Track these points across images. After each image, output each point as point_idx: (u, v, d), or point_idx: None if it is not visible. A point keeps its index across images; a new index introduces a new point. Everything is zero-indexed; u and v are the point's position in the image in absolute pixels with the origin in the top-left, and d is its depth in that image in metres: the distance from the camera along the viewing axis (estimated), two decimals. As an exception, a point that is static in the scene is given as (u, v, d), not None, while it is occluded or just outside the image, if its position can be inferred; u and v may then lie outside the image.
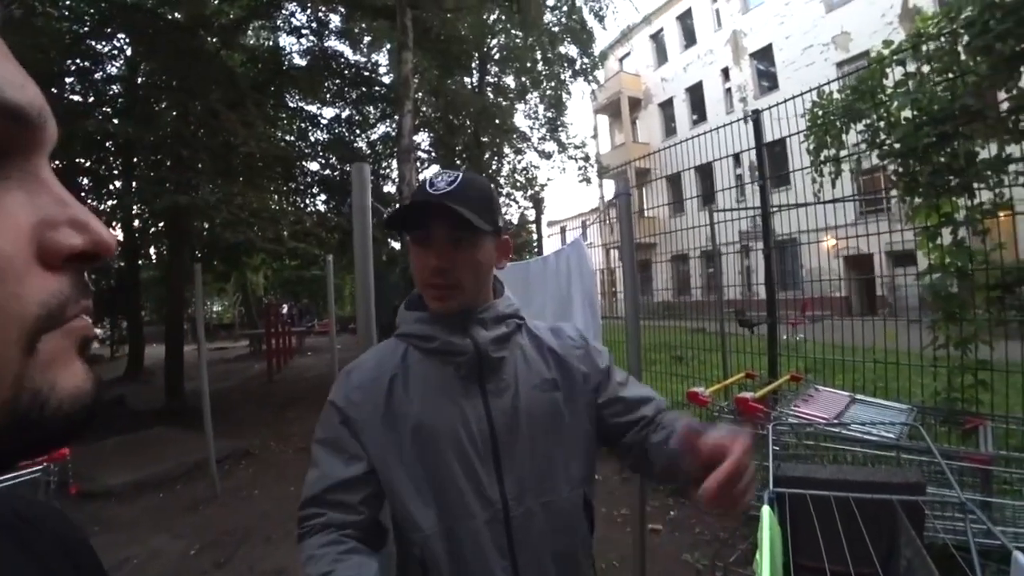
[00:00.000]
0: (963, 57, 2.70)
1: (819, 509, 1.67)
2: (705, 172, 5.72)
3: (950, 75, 2.76)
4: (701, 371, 4.91)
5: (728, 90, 24.32)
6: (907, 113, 2.91)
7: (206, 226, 8.73)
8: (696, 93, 26.07)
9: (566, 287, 3.23)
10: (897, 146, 2.91)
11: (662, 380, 5.25)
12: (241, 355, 17.09)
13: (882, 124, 3.08)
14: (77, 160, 8.38)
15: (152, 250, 11.72)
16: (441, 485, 0.95)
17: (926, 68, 2.87)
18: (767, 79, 22.71)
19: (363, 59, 13.04)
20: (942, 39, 2.78)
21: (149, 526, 4.29)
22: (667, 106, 27.87)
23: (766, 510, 1.51)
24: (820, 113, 3.44)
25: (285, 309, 22.78)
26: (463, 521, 0.94)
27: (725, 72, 24.46)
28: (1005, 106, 2.54)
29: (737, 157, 4.35)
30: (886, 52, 3.04)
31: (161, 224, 9.30)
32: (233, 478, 5.40)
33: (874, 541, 1.61)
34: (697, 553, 3.32)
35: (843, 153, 3.37)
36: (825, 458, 2.32)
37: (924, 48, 2.84)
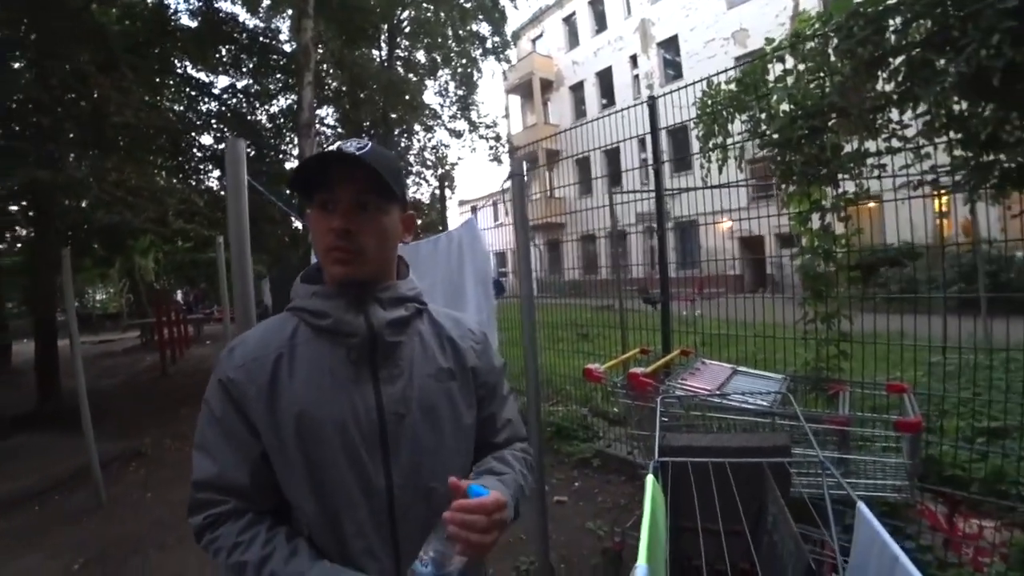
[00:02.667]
0: (832, 58, 2.94)
1: (698, 475, 1.78)
2: (612, 155, 5.89)
3: (821, 74, 3.01)
4: (604, 348, 5.10)
5: (636, 77, 25.16)
6: (785, 107, 3.14)
7: (76, 205, 7.80)
8: (605, 78, 26.75)
9: (457, 268, 3.23)
10: (775, 136, 3.13)
11: (567, 357, 5.40)
12: (131, 347, 15.75)
13: (763, 116, 3.30)
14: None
15: (14, 233, 10.33)
16: (324, 475, 0.92)
17: (802, 66, 3.10)
18: (673, 68, 23.70)
19: (261, 24, 12.16)
20: (816, 40, 3.00)
21: (22, 545, 3.85)
22: (578, 89, 28.43)
23: (650, 478, 1.60)
24: (709, 103, 3.63)
25: (180, 295, 21.10)
26: (347, 510, 0.92)
27: (633, 59, 25.27)
28: (867, 105, 2.80)
29: (643, 141, 4.49)
30: (768, 48, 3.25)
31: (23, 203, 8.22)
32: (121, 483, 4.97)
33: (746, 501, 1.74)
34: (599, 521, 3.49)
35: (729, 141, 3.58)
36: (708, 427, 2.49)
37: (801, 47, 3.06)
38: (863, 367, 3.14)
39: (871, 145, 2.89)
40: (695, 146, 4.01)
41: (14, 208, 8.29)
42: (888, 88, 2.67)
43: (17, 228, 9.39)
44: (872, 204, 3.22)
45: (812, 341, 3.30)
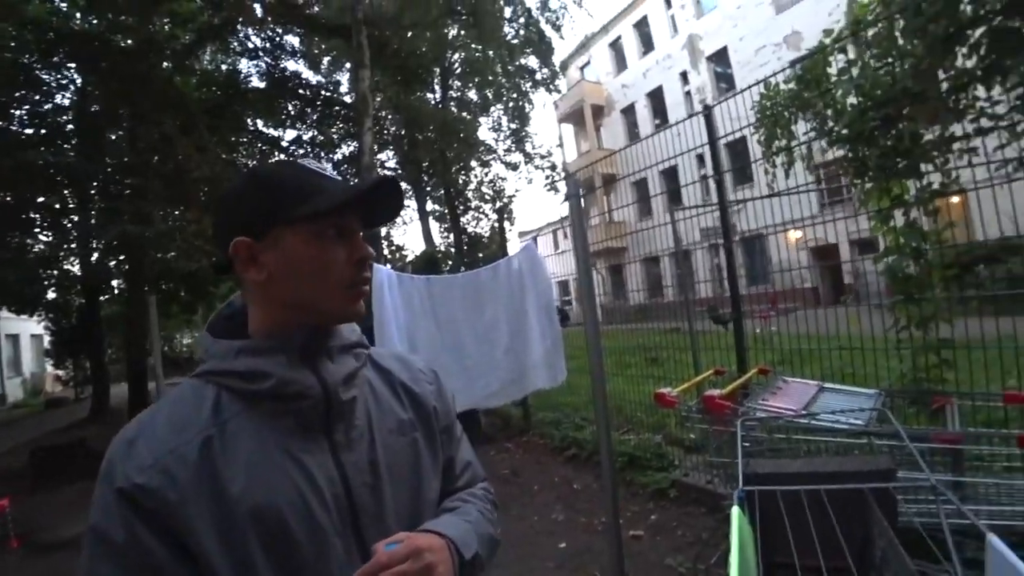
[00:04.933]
0: (900, 41, 2.73)
1: (790, 504, 1.61)
2: (669, 174, 5.74)
3: (889, 59, 2.79)
4: (675, 372, 4.88)
5: (688, 93, 24.80)
6: (852, 99, 2.94)
7: (162, 256, 8.49)
8: (656, 98, 26.53)
9: (519, 295, 3.18)
10: (844, 132, 2.93)
11: (636, 383, 5.21)
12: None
13: (829, 112, 3.10)
14: (28, 195, 8.09)
15: (113, 284, 11.37)
16: None
17: (867, 55, 2.90)
18: (725, 80, 23.22)
19: (322, 79, 13.00)
20: (879, 25, 2.81)
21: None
22: (629, 112, 28.31)
23: (735, 510, 1.46)
24: (768, 104, 3.46)
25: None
26: None
27: (684, 76, 24.96)
28: (945, 86, 2.57)
29: (701, 157, 4.36)
30: (827, 41, 3.07)
31: (120, 257, 9.03)
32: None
33: (847, 532, 1.55)
34: (680, 557, 3.25)
35: (793, 143, 3.39)
36: (795, 451, 2.27)
37: (863, 35, 2.87)
38: (971, 377, 2.80)
39: (956, 129, 2.64)
40: (755, 155, 3.84)
41: (112, 263, 9.11)
42: (969, 64, 2.43)
43: (114, 281, 10.27)
44: (956, 198, 2.93)
45: (907, 351, 2.98)
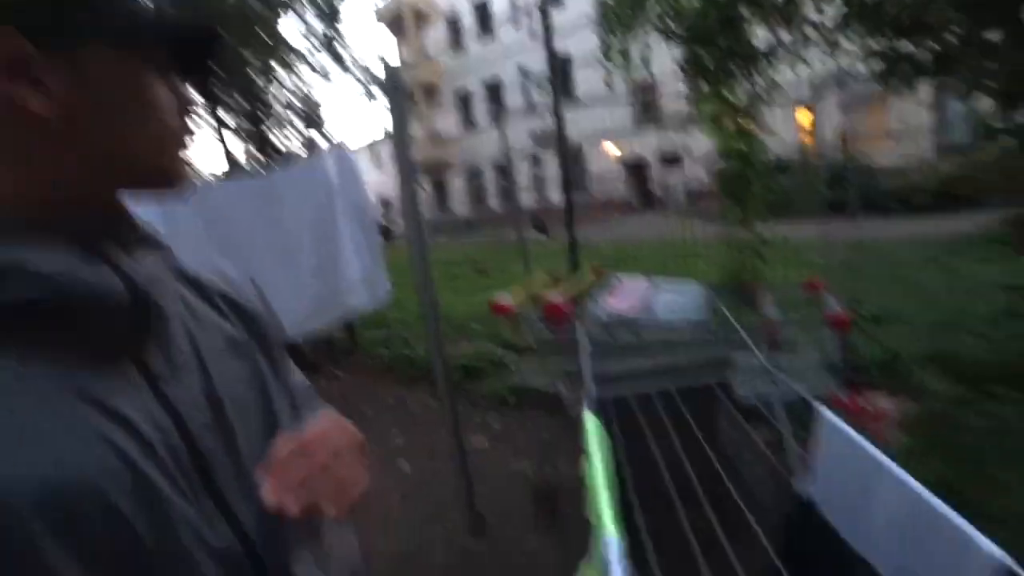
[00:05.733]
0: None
1: (642, 401, 1.55)
2: (493, 90, 5.42)
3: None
4: (505, 281, 4.82)
5: (514, 3, 24.21)
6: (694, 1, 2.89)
7: None
8: (482, 8, 25.46)
9: (327, 205, 2.70)
10: (686, 32, 2.90)
11: (467, 294, 5.09)
12: None
13: (670, 13, 3.03)
14: None
15: None
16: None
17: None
18: (556, -11, 22.88)
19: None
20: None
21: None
22: (453, 21, 26.88)
23: (588, 415, 1.34)
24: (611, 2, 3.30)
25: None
26: None
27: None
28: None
29: (526, 73, 4.12)
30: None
31: None
32: None
33: (696, 420, 1.54)
34: (526, 461, 3.28)
35: (632, 45, 3.31)
36: (639, 349, 2.28)
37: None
38: (784, 269, 3.13)
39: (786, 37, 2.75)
40: (579, 75, 3.71)
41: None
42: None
43: None
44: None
45: (731, 247, 3.21)
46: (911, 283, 4.24)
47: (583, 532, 1.05)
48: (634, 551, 0.99)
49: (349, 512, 0.54)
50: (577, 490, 1.10)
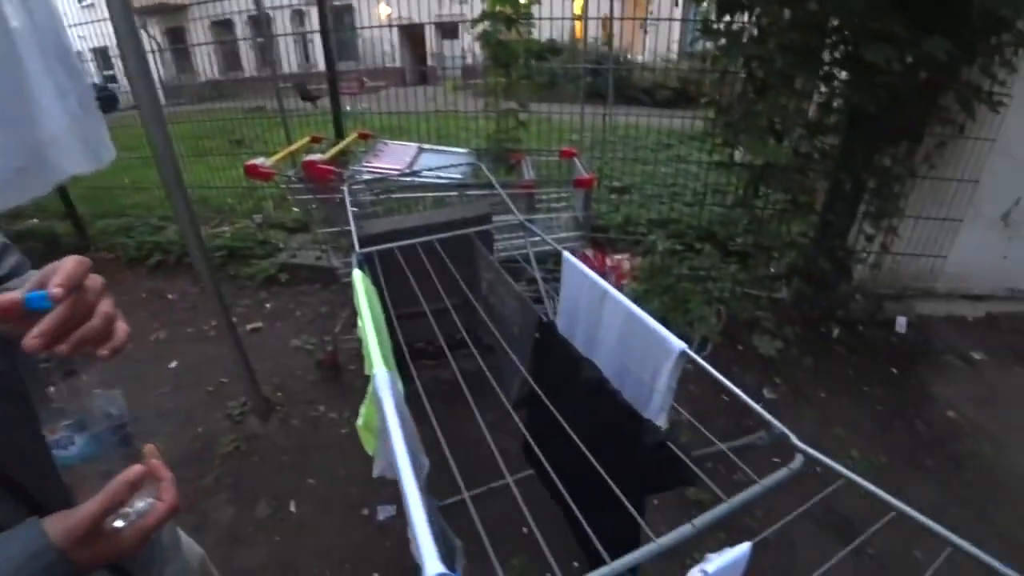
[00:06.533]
0: None
1: (407, 258, 1.57)
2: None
3: None
4: (266, 151, 4.32)
5: None
6: None
7: None
8: None
9: None
10: None
11: (222, 169, 4.46)
12: None
13: None
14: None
15: None
16: None
17: None
18: None
19: None
20: None
21: None
22: None
23: (357, 273, 1.35)
24: None
25: None
26: None
27: None
28: None
29: None
30: None
31: None
32: None
33: (460, 273, 1.62)
34: (304, 335, 3.19)
35: None
36: (404, 209, 2.26)
37: None
38: (538, 137, 3.30)
39: None
40: None
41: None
42: None
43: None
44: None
45: (492, 116, 3.26)
46: (649, 163, 4.88)
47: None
48: (409, 397, 1.04)
49: (117, 352, 0.52)
50: (359, 356, 1.09)
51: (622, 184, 4.58)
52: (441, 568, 0.54)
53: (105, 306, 0.52)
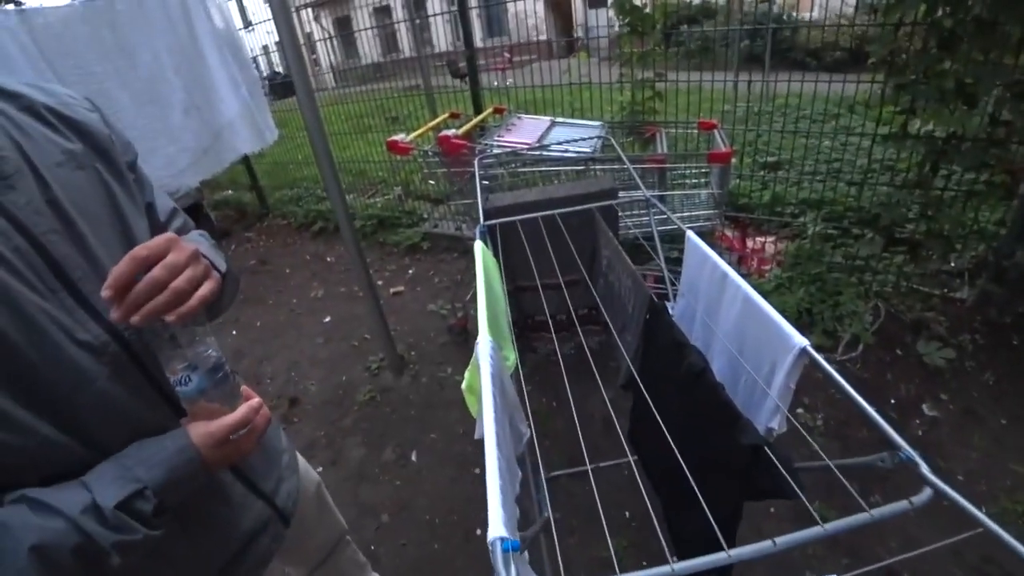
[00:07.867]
0: None
1: (529, 232, 1.60)
2: None
3: None
4: (416, 127, 4.61)
5: None
6: None
7: None
8: None
9: (184, 26, 2.33)
10: None
11: (379, 145, 4.86)
12: None
13: None
14: None
15: None
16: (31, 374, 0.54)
17: None
18: None
19: None
20: None
21: None
22: None
23: (478, 244, 1.39)
24: None
25: None
26: (81, 388, 0.58)
27: None
28: None
29: None
30: None
31: None
32: None
33: (579, 249, 1.62)
34: (440, 301, 3.42)
35: None
36: (532, 184, 2.29)
37: None
38: (676, 109, 3.11)
39: None
40: None
41: None
42: None
43: None
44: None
45: (628, 86, 3.14)
46: (810, 135, 4.41)
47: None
48: (525, 367, 1.08)
49: (189, 317, 0.59)
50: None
51: (776, 159, 4.19)
52: (503, 533, 0.57)
53: (180, 281, 0.59)
